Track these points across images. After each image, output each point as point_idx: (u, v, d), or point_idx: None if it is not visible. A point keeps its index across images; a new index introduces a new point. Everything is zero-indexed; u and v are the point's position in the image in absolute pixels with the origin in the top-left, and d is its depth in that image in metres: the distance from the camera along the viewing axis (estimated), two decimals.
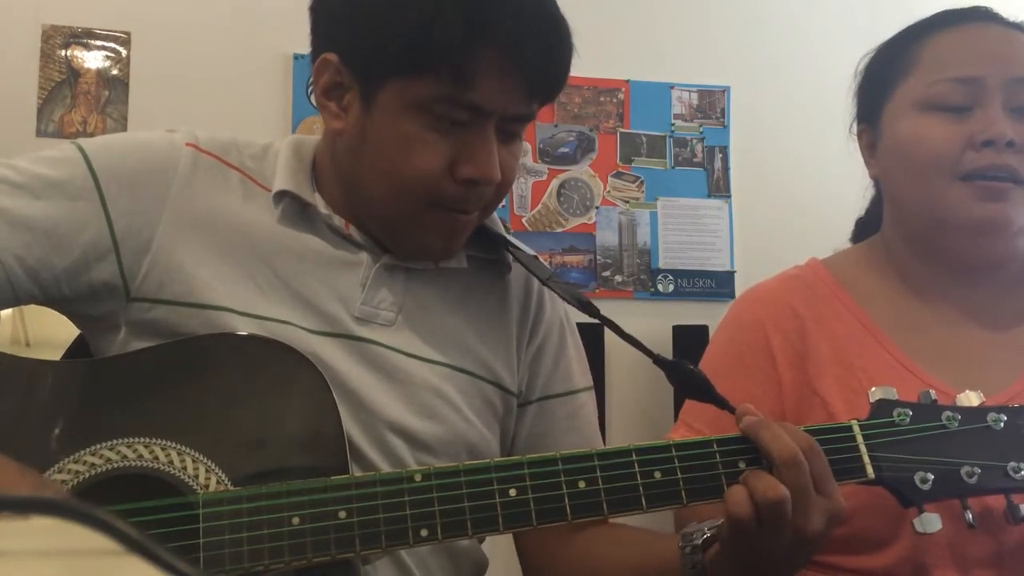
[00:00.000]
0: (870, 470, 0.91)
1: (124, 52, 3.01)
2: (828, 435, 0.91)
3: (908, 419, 0.93)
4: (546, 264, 1.15)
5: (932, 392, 0.96)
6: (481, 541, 1.12)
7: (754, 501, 0.85)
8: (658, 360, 0.98)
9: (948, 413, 0.94)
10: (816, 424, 0.93)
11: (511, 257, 1.11)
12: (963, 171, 1.12)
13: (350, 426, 0.93)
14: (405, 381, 1.02)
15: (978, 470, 0.91)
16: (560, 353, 1.15)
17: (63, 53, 2.98)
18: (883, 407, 0.94)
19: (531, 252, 1.13)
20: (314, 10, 1.03)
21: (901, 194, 1.21)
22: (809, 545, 0.87)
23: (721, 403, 0.96)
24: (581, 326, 1.19)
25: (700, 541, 0.92)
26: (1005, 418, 0.94)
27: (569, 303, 1.08)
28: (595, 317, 1.04)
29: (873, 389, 0.96)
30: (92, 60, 3.00)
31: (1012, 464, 0.92)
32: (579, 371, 1.16)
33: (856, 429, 0.92)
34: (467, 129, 0.96)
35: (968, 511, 0.92)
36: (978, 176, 1.12)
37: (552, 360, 1.14)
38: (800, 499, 0.85)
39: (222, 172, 1.05)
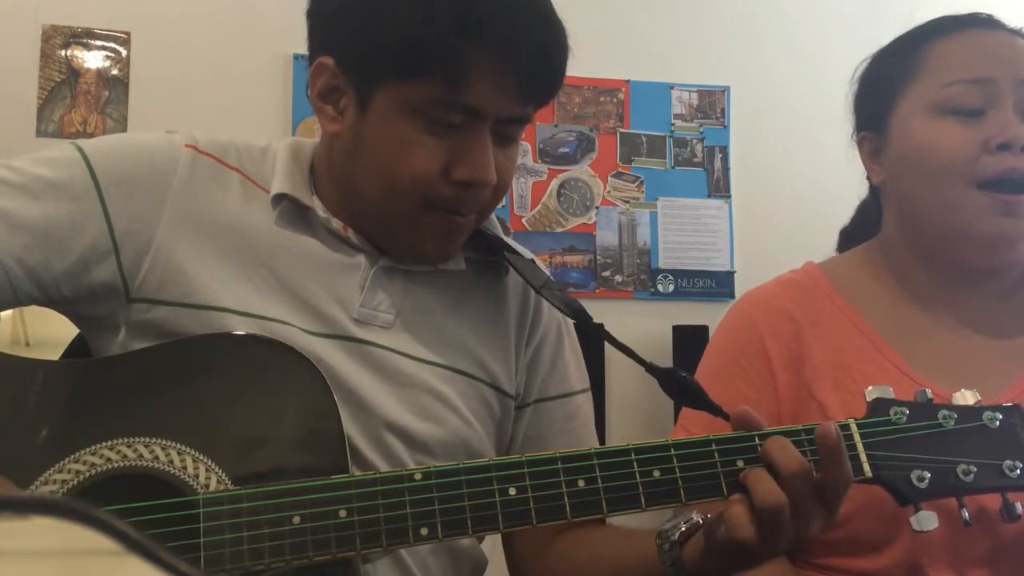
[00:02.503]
0: (867, 468, 0.91)
1: (124, 52, 3.02)
2: None
3: (905, 418, 0.93)
4: (544, 267, 1.14)
5: (928, 391, 0.96)
6: (481, 540, 1.12)
7: (753, 505, 0.85)
8: (651, 368, 0.98)
9: (944, 412, 0.94)
10: (815, 423, 0.93)
11: (508, 263, 1.11)
12: (981, 178, 1.12)
13: (349, 427, 0.93)
14: (404, 383, 1.02)
15: (974, 468, 0.91)
16: (557, 355, 1.15)
17: (63, 53, 2.98)
18: (880, 406, 0.94)
19: (529, 255, 1.13)
20: (311, 14, 1.03)
21: (913, 200, 1.20)
22: (796, 544, 0.88)
23: (715, 410, 0.96)
24: (581, 326, 1.19)
25: (677, 537, 0.93)
26: (1000, 417, 0.94)
27: (563, 312, 1.08)
28: (588, 326, 1.04)
29: (870, 388, 0.96)
30: (92, 60, 3.00)
31: (1007, 463, 0.92)
32: (576, 373, 1.16)
33: (854, 428, 0.93)
34: (462, 131, 0.96)
35: (964, 509, 0.92)
36: (997, 185, 1.12)
37: (549, 362, 1.14)
38: (800, 507, 0.86)
39: (221, 173, 1.05)
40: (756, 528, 0.85)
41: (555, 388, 1.13)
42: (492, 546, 1.13)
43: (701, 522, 0.92)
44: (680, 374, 0.98)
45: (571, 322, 1.17)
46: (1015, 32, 1.20)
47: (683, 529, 0.93)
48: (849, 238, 1.34)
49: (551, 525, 0.88)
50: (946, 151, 1.14)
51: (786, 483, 0.85)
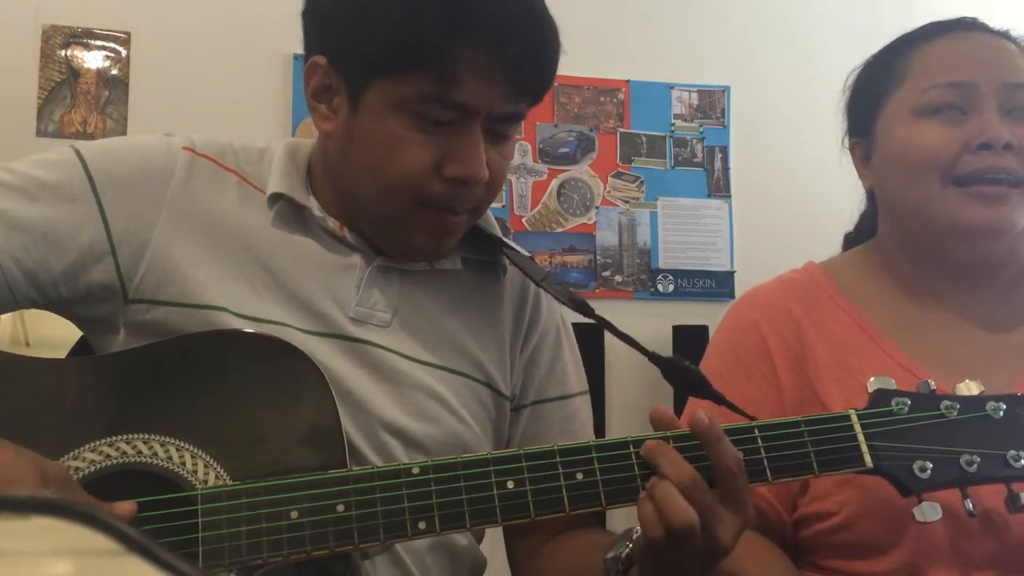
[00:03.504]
0: (868, 459, 0.91)
1: (124, 52, 3.02)
2: (826, 424, 0.92)
3: (907, 408, 0.93)
4: (543, 266, 1.14)
5: (931, 382, 0.95)
6: (480, 539, 1.12)
7: (662, 521, 0.84)
8: (653, 357, 0.99)
9: (947, 402, 0.93)
10: (815, 415, 0.93)
11: (507, 259, 1.11)
12: (958, 175, 1.12)
13: (346, 426, 0.94)
14: (400, 382, 1.02)
15: (977, 459, 0.91)
16: (555, 357, 1.14)
17: (63, 53, 2.98)
18: (881, 397, 0.94)
19: (526, 254, 1.13)
20: (306, 15, 1.04)
21: (896, 200, 1.20)
22: (721, 556, 0.87)
23: (717, 398, 0.96)
24: (580, 327, 1.19)
25: (623, 560, 0.92)
26: (1004, 407, 0.93)
27: (564, 304, 1.08)
28: (590, 317, 1.04)
29: (872, 379, 0.95)
30: (92, 60, 3.00)
31: (1012, 452, 0.91)
32: (574, 375, 1.16)
33: (854, 419, 0.92)
34: (453, 128, 0.96)
35: (968, 500, 0.91)
36: (974, 180, 1.12)
37: (547, 364, 1.14)
38: (706, 520, 0.84)
39: (218, 175, 1.05)
40: (666, 534, 0.84)
41: (553, 390, 1.13)
42: (492, 547, 1.13)
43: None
44: (683, 363, 0.97)
45: (570, 324, 1.18)
46: (1000, 34, 1.20)
47: (627, 548, 0.92)
48: (851, 244, 1.34)
49: (550, 525, 0.88)
50: (926, 150, 1.14)
51: (688, 494, 0.84)
